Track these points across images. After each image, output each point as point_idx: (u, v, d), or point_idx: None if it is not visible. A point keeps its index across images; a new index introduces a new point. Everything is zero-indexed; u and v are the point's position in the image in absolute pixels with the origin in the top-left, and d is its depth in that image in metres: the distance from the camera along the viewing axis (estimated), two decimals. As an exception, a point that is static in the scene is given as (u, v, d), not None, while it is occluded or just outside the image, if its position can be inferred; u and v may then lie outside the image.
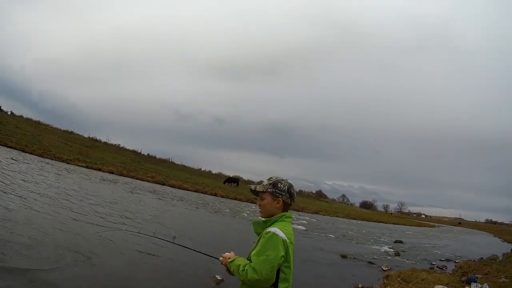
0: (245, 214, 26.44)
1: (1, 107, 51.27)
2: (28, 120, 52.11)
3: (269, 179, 3.47)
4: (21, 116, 52.48)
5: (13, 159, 21.42)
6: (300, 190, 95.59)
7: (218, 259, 3.53)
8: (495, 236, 59.88)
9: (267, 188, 3.41)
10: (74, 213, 12.30)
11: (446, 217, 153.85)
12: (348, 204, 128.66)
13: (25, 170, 18.67)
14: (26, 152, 28.59)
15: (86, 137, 58.05)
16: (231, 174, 68.15)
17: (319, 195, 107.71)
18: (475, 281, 11.18)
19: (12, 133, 33.70)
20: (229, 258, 3.36)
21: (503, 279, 12.25)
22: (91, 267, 8.24)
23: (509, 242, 38.37)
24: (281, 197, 3.38)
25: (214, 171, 75.27)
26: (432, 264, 17.41)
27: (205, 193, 38.98)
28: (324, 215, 49.08)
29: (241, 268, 3.17)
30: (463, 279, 12.17)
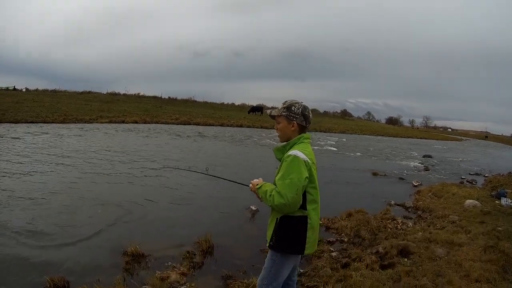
0: (270, 141, 26.79)
1: (15, 87, 52.05)
2: (44, 91, 52.73)
3: (284, 103, 3.51)
4: (36, 90, 53.02)
5: (30, 133, 21.28)
6: (325, 111, 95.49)
7: (248, 186, 3.63)
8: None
9: (282, 112, 3.45)
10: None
11: (472, 131, 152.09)
12: (373, 121, 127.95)
13: (50, 140, 18.62)
14: (48, 122, 28.54)
15: (105, 93, 58.73)
16: (254, 103, 69.12)
17: (344, 114, 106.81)
18: (505, 196, 11.21)
19: (31, 108, 33.68)
20: (257, 185, 3.45)
21: (533, 194, 12.26)
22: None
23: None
24: (295, 120, 3.41)
25: (237, 103, 76.54)
26: (461, 178, 17.58)
27: (230, 125, 39.74)
28: (351, 133, 49.30)
29: (268, 194, 3.26)
30: (492, 193, 12.27)
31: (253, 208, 9.01)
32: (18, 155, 13.78)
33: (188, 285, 5.16)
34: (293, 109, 3.42)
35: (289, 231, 3.32)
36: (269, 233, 3.45)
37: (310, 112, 3.49)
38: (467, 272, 5.35)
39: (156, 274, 5.35)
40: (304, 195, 3.25)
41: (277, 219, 3.35)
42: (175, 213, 8.64)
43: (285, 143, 3.47)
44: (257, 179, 3.57)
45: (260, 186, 3.41)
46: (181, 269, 5.62)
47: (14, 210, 8.03)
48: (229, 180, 4.43)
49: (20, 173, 11.04)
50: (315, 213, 3.37)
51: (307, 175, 3.21)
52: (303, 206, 3.27)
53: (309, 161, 3.26)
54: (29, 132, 21.00)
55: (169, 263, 5.89)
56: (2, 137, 18.37)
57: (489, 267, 5.53)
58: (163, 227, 7.57)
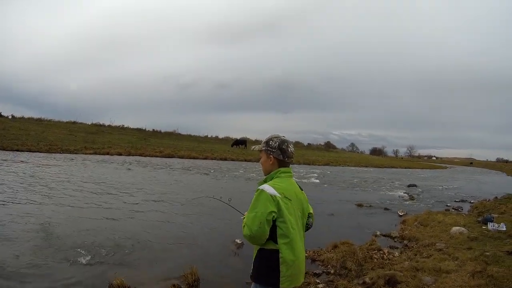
0: (254, 174, 26.77)
1: (1, 113, 51.46)
2: (30, 119, 52.84)
3: (267, 139, 3.61)
4: (22, 117, 52.94)
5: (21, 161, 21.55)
6: (308, 144, 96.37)
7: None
8: (508, 175, 59.94)
9: (262, 147, 3.58)
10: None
11: (457, 158, 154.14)
12: (358, 152, 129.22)
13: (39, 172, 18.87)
14: (33, 151, 28.99)
15: (90, 124, 59.16)
16: (238, 136, 69.58)
17: (328, 146, 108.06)
18: (492, 221, 11.24)
19: (17, 136, 34.30)
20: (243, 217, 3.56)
21: (521, 218, 12.34)
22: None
23: (523, 180, 38.38)
24: (272, 154, 3.50)
25: (220, 136, 76.88)
26: (447, 205, 17.55)
27: (214, 159, 39.84)
28: (335, 165, 49.61)
29: (242, 225, 3.37)
30: (479, 219, 12.23)
31: (238, 241, 9.00)
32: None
33: None
34: (270, 143, 3.52)
35: (264, 263, 3.35)
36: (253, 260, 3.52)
37: (289, 145, 3.54)
38: None
39: None
40: (274, 229, 3.28)
41: (258, 250, 3.41)
42: (160, 246, 8.56)
43: (265, 177, 3.56)
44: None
45: (244, 217, 3.47)
46: None
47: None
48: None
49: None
50: (288, 247, 3.32)
51: (273, 210, 3.23)
52: (274, 240, 3.31)
53: (277, 195, 3.27)
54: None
55: None
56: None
57: (478, 293, 5.43)
58: (149, 259, 7.53)
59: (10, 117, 51.55)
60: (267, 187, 3.28)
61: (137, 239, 8.86)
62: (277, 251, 3.29)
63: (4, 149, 27.36)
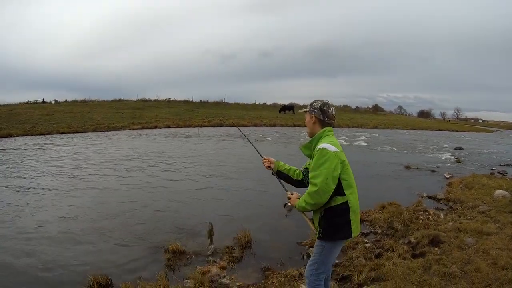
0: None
1: (44, 100, 52.10)
2: (74, 102, 52.99)
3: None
4: (65, 101, 53.29)
5: (57, 144, 21.34)
6: (356, 107, 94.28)
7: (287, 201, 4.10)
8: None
9: (307, 108, 3.79)
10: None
11: (503, 122, 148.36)
12: (405, 115, 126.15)
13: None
14: (79, 132, 28.73)
15: (135, 100, 59.12)
16: (285, 102, 67.76)
17: (376, 109, 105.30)
18: (536, 187, 11.15)
19: (61, 120, 33.98)
20: (292, 203, 3.96)
21: None
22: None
23: None
24: (314, 114, 3.70)
25: (268, 103, 75.57)
26: (492, 169, 17.19)
27: (263, 125, 39.38)
28: (383, 128, 48.67)
29: (302, 201, 3.64)
30: None
31: (290, 204, 9.19)
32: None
33: (229, 278, 5.44)
34: (313, 104, 3.75)
35: (335, 219, 3.55)
36: (316, 225, 3.75)
37: (330, 107, 3.73)
38: (495, 260, 5.45)
39: (197, 269, 5.63)
40: (339, 182, 3.49)
41: (321, 212, 3.61)
42: (214, 210, 8.99)
43: (310, 139, 3.75)
44: (291, 193, 4.04)
45: (294, 205, 3.89)
46: (221, 263, 5.91)
47: (49, 209, 8.77)
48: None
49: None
50: (353, 196, 3.57)
51: (338, 166, 3.45)
52: (341, 193, 3.52)
53: (337, 150, 3.49)
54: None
55: (210, 258, 6.18)
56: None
57: (516, 255, 5.57)
58: (202, 224, 7.74)
59: (53, 102, 52.03)
60: (327, 145, 3.46)
61: (189, 203, 9.49)
62: (346, 203, 3.52)
63: (49, 133, 27.27)
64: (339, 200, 3.51)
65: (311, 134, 3.76)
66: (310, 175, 3.55)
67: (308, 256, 6.09)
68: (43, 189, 10.70)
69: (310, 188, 3.48)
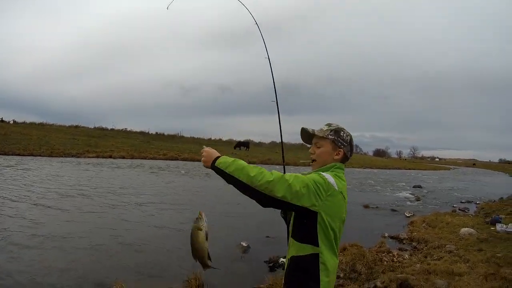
0: None
1: (2, 119, 51.09)
2: (32, 124, 52.51)
3: (328, 125, 2.80)
4: (23, 122, 52.56)
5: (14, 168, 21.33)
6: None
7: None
8: (511, 176, 59.55)
9: (328, 135, 2.73)
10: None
11: (460, 159, 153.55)
12: (361, 153, 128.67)
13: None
14: (35, 155, 28.74)
15: (92, 127, 58.74)
16: (241, 138, 67.42)
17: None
18: (500, 222, 11.11)
19: (18, 141, 34.12)
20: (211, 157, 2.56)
21: (527, 218, 12.19)
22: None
23: (528, 181, 37.97)
24: (343, 148, 2.71)
25: (224, 138, 75.20)
26: (453, 206, 17.32)
27: None
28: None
29: (239, 163, 2.41)
30: (487, 220, 12.16)
31: (244, 244, 8.74)
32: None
33: None
34: (342, 134, 2.74)
35: (299, 274, 2.62)
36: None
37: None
38: None
39: None
40: (313, 227, 2.51)
41: (288, 259, 2.70)
42: (163, 252, 8.32)
43: (319, 168, 2.75)
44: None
45: (219, 157, 2.52)
46: None
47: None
48: None
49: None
50: (330, 251, 2.60)
51: (322, 195, 2.43)
52: (314, 241, 2.53)
53: (336, 189, 2.52)
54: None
55: None
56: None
57: (492, 296, 5.24)
58: (151, 265, 7.27)
59: (11, 122, 51.23)
60: (328, 176, 2.52)
61: (136, 243, 8.70)
62: (316, 255, 2.55)
63: (5, 154, 27.17)
64: (308, 250, 2.56)
65: (321, 165, 2.77)
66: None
67: None
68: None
69: (270, 175, 2.35)
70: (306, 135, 2.91)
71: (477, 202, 19.37)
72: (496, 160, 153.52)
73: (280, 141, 2.95)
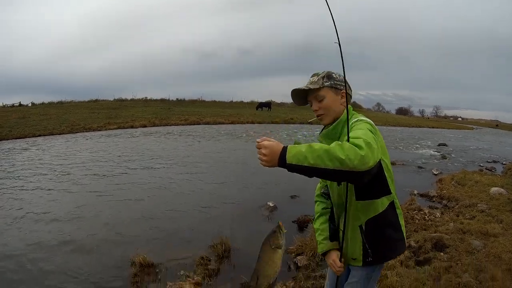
0: (299, 136, 26.55)
1: (21, 103, 51.12)
2: (51, 104, 52.13)
3: (316, 75, 2.55)
4: (42, 103, 52.42)
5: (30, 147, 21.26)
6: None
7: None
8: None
9: (323, 83, 2.49)
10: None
11: (482, 120, 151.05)
12: (384, 112, 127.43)
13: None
14: (55, 134, 28.25)
15: (112, 100, 58.23)
16: (263, 100, 66.39)
17: (354, 106, 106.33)
18: (529, 183, 10.92)
19: (37, 122, 33.44)
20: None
21: (559, 181, 11.89)
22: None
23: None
24: (343, 89, 2.47)
25: (246, 100, 73.82)
26: (480, 166, 17.04)
27: (241, 123, 38.52)
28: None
29: (314, 150, 1.92)
30: None
31: (271, 204, 8.64)
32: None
33: None
34: (334, 76, 2.50)
35: (387, 232, 2.46)
36: (356, 249, 2.52)
37: None
38: (509, 266, 4.98)
39: (167, 286, 4.90)
40: (383, 176, 2.36)
41: (360, 227, 2.46)
42: (187, 218, 8.17)
43: (334, 123, 2.49)
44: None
45: (287, 150, 1.98)
46: (195, 278, 5.15)
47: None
48: None
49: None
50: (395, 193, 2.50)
51: (381, 139, 2.33)
52: (386, 190, 2.40)
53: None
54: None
55: (182, 272, 5.45)
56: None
57: (530, 259, 5.15)
58: (174, 233, 7.16)
59: (30, 104, 51.28)
60: (365, 118, 2.41)
61: (160, 211, 8.58)
62: (392, 203, 2.45)
63: (25, 137, 26.70)
64: (386, 202, 2.43)
65: (333, 119, 2.51)
66: (341, 141, 2.08)
67: (296, 266, 5.57)
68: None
69: (348, 149, 1.92)
70: (299, 95, 2.62)
71: (504, 163, 18.91)
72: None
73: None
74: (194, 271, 5.45)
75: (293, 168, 1.96)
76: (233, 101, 72.15)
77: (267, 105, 57.96)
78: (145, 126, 33.34)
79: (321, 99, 2.51)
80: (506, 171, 15.36)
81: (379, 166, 2.05)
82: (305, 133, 28.56)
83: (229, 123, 38.12)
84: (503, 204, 8.64)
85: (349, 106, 2.49)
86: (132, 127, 32.81)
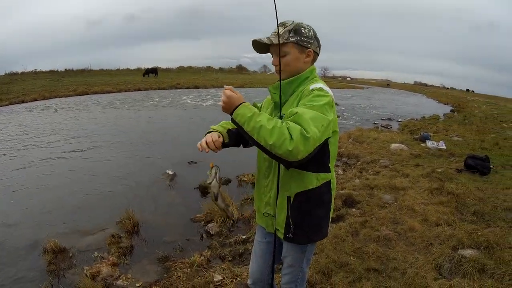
0: (188, 101, 26.42)
1: None
2: None
3: (283, 25, 2.31)
4: None
5: None
6: (220, 68, 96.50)
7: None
8: (428, 98, 62.20)
9: (288, 37, 2.27)
10: None
11: (373, 79, 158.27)
12: (271, 73, 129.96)
13: None
14: None
15: (3, 74, 56.25)
16: (149, 66, 68.32)
17: (240, 68, 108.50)
18: (429, 139, 11.47)
19: None
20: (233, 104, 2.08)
21: (456, 138, 12.66)
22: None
23: (445, 103, 39.52)
24: (311, 47, 2.30)
25: (132, 67, 75.69)
26: (375, 123, 17.92)
27: (128, 90, 38.87)
28: (250, 87, 49.43)
29: (261, 123, 1.92)
30: (415, 137, 12.53)
31: (170, 172, 8.44)
32: None
33: (124, 278, 4.54)
34: (303, 31, 2.30)
35: (316, 210, 2.33)
36: (280, 219, 2.40)
37: None
38: (424, 217, 5.27)
39: (85, 271, 4.57)
40: (325, 152, 2.23)
41: (288, 198, 2.32)
42: (90, 196, 7.57)
43: (292, 78, 2.34)
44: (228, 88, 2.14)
45: (239, 107, 2.05)
46: (110, 258, 4.91)
47: None
48: None
49: None
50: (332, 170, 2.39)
51: (335, 116, 2.18)
52: (326, 167, 2.29)
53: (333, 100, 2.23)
54: None
55: (95, 253, 5.14)
56: None
57: (443, 209, 5.52)
58: (79, 212, 6.66)
59: None
60: (326, 88, 2.22)
61: (54, 188, 7.89)
62: (329, 184, 2.32)
63: None
64: (322, 179, 2.28)
65: (292, 74, 2.34)
66: (293, 114, 1.97)
67: (208, 234, 5.56)
68: None
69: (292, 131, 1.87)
70: (260, 46, 2.40)
71: (399, 120, 19.99)
72: (411, 82, 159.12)
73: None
74: (108, 251, 5.19)
75: (236, 124, 2.07)
76: (120, 68, 73.75)
77: (154, 71, 59.62)
78: (35, 100, 31.59)
79: (283, 55, 2.32)
80: (402, 128, 16.25)
81: (321, 146, 2.04)
82: (191, 97, 28.38)
83: (117, 91, 37.73)
84: (406, 159, 9.10)
85: (313, 67, 2.40)
86: (23, 101, 30.95)
